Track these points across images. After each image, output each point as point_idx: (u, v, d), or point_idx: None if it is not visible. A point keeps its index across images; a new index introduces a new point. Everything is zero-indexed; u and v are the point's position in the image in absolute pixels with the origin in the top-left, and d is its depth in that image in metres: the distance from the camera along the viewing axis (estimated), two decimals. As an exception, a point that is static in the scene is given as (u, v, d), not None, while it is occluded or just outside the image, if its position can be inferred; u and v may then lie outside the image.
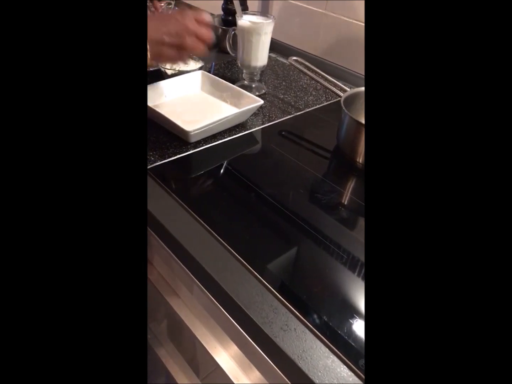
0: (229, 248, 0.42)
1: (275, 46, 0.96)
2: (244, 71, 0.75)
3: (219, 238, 0.43)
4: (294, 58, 0.70)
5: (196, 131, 0.56)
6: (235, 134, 0.63)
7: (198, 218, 0.46)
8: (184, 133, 0.56)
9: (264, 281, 0.39)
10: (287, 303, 0.37)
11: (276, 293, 0.38)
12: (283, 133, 0.66)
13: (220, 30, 0.90)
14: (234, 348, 0.48)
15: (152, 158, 0.55)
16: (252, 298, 0.38)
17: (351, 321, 0.36)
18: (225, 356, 0.52)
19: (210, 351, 0.52)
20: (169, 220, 0.46)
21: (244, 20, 0.68)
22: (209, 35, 0.57)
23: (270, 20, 0.69)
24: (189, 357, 0.66)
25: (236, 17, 0.69)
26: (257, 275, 0.40)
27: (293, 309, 0.37)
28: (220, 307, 0.41)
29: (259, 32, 0.68)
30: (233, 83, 0.78)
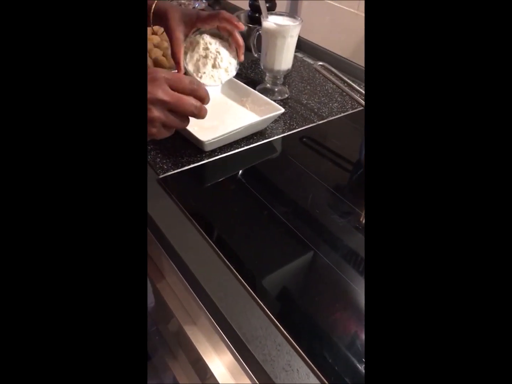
0: (236, 273, 0.40)
1: (302, 46, 0.92)
2: (267, 74, 0.72)
3: (227, 262, 0.41)
4: (320, 63, 0.67)
5: (211, 141, 0.54)
6: (253, 143, 0.60)
7: (207, 237, 0.44)
8: (199, 142, 0.54)
9: (269, 313, 0.37)
10: (292, 340, 0.35)
11: (281, 328, 0.36)
12: (304, 139, 0.63)
13: (246, 27, 0.87)
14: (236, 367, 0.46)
15: (165, 167, 0.54)
16: (255, 332, 0.36)
17: (359, 366, 0.34)
18: (227, 375, 0.50)
19: (211, 368, 0.51)
20: (177, 237, 0.44)
21: (269, 22, 0.64)
22: (204, 94, 0.42)
23: (297, 23, 0.65)
24: (194, 364, 0.66)
25: (261, 18, 0.66)
26: (263, 305, 0.38)
27: (298, 348, 0.35)
28: (223, 334, 0.39)
29: (284, 35, 0.64)
30: (255, 85, 0.75)
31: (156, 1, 0.56)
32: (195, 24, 0.57)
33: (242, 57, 0.58)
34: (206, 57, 0.56)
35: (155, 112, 0.38)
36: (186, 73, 0.57)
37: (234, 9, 1.06)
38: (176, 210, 0.48)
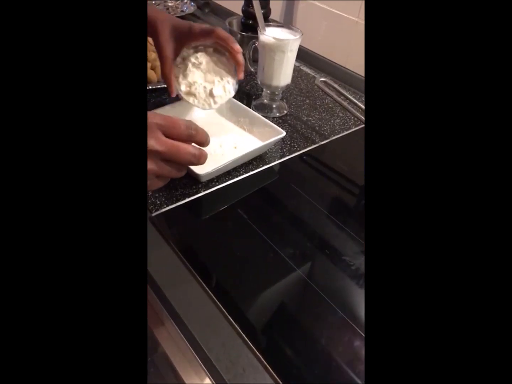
0: (243, 334, 0.36)
1: (300, 54, 0.87)
2: (265, 89, 0.67)
3: (230, 319, 0.37)
4: (322, 79, 0.62)
5: (209, 172, 0.49)
6: (253, 169, 0.56)
7: (206, 287, 0.39)
8: (195, 174, 0.49)
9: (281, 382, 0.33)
10: (308, 419, 0.31)
11: (296, 403, 0.32)
12: (306, 162, 0.59)
13: (238, 35, 0.81)
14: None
15: (158, 202, 0.49)
16: (267, 408, 0.32)
17: None
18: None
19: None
20: (173, 286, 0.40)
21: (267, 36, 0.59)
22: (203, 138, 0.37)
23: (298, 36, 0.60)
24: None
25: (258, 31, 0.61)
26: (274, 375, 0.34)
27: (315, 428, 0.31)
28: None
29: (283, 50, 0.60)
30: (251, 100, 0.71)
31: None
32: (187, 40, 0.52)
33: (242, 75, 0.53)
34: (200, 77, 0.52)
35: (148, 164, 0.33)
36: (178, 94, 0.52)
37: (225, 13, 1.00)
38: (172, 254, 0.43)
